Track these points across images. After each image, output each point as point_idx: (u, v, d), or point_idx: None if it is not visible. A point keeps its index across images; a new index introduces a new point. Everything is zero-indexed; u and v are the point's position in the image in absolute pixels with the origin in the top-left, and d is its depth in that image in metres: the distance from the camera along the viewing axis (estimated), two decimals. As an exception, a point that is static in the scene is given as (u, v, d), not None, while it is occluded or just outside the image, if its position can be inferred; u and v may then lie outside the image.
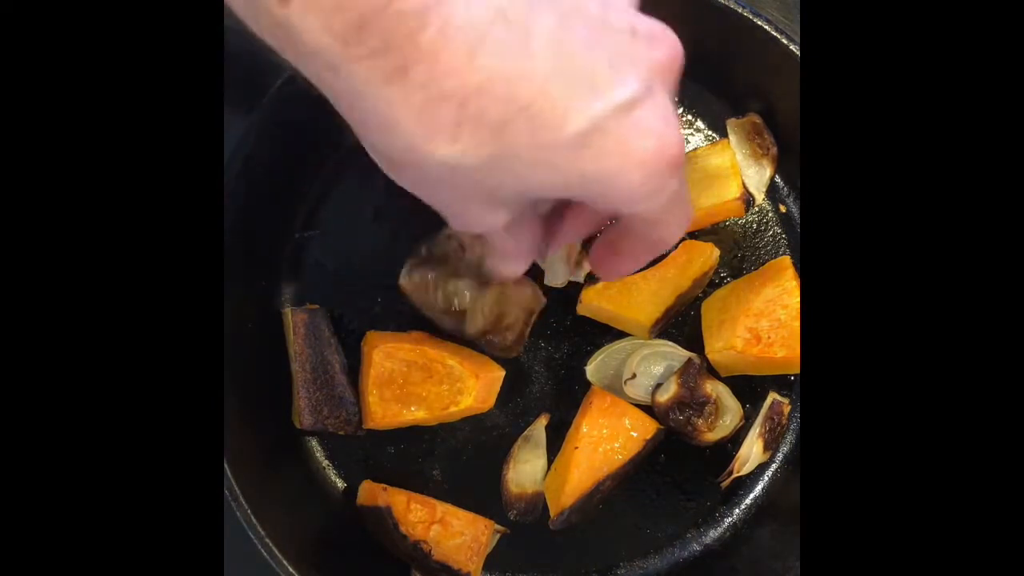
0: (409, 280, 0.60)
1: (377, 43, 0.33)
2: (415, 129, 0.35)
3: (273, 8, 0.32)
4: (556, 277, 0.64)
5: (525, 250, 0.48)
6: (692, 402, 0.62)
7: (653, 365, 0.65)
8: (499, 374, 0.64)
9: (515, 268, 0.50)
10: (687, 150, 0.68)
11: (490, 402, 0.64)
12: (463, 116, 0.34)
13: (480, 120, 0.34)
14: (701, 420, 0.63)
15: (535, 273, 0.65)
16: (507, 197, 0.39)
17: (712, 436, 0.63)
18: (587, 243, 0.65)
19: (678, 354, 0.65)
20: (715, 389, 0.64)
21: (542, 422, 0.66)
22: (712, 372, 0.65)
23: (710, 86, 0.68)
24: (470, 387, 0.64)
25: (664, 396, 0.63)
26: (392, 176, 0.39)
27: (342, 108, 0.37)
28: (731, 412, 0.64)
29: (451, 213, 0.41)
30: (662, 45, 0.38)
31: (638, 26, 0.37)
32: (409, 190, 0.40)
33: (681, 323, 0.67)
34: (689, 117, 0.68)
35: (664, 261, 0.64)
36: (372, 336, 0.64)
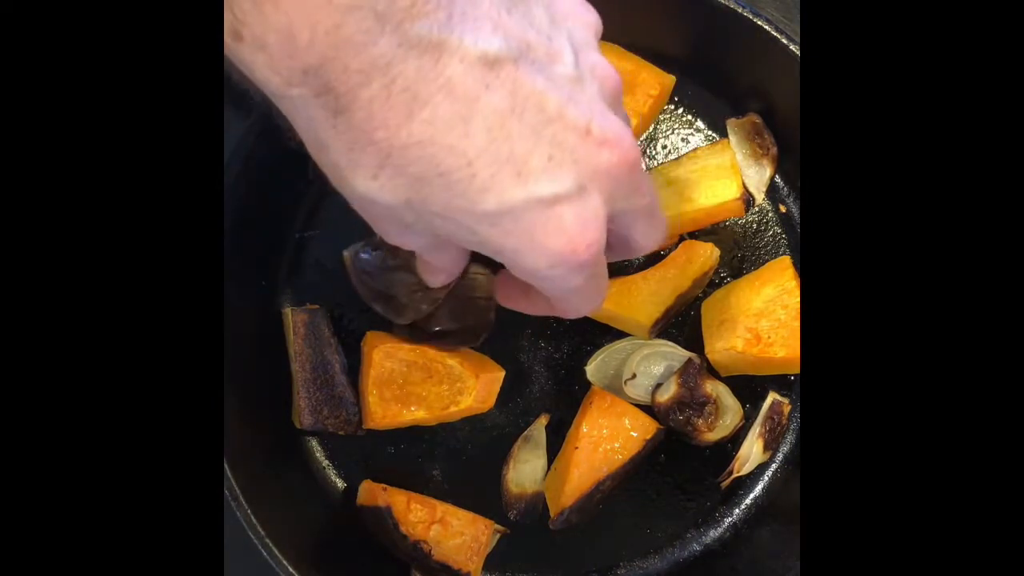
0: (354, 257, 0.59)
1: (320, 87, 0.34)
2: (341, 159, 0.37)
3: (227, 42, 0.34)
4: None
5: (445, 268, 0.51)
6: (692, 402, 0.62)
7: (653, 365, 0.65)
8: (499, 374, 0.64)
9: (436, 280, 0.52)
10: (687, 150, 0.68)
11: (490, 402, 0.64)
12: (386, 163, 0.36)
13: (401, 170, 0.36)
14: (701, 420, 0.63)
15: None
16: (422, 232, 0.41)
17: (712, 436, 0.63)
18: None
19: (678, 354, 0.65)
20: (715, 389, 0.64)
21: (542, 422, 0.66)
22: (712, 372, 0.65)
23: (710, 86, 0.68)
24: (470, 387, 0.64)
25: (664, 396, 0.63)
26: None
27: (287, 115, 0.38)
28: (731, 412, 0.64)
29: (376, 227, 0.43)
30: (613, 150, 0.38)
31: (594, 125, 0.38)
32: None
33: (681, 323, 0.67)
34: (689, 117, 0.68)
35: (664, 261, 0.64)
36: (372, 336, 0.64)
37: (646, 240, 0.46)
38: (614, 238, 0.45)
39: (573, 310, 0.49)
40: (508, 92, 0.36)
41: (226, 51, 0.35)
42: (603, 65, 0.41)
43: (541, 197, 0.37)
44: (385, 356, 0.63)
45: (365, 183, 0.37)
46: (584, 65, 0.39)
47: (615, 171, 0.39)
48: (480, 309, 0.60)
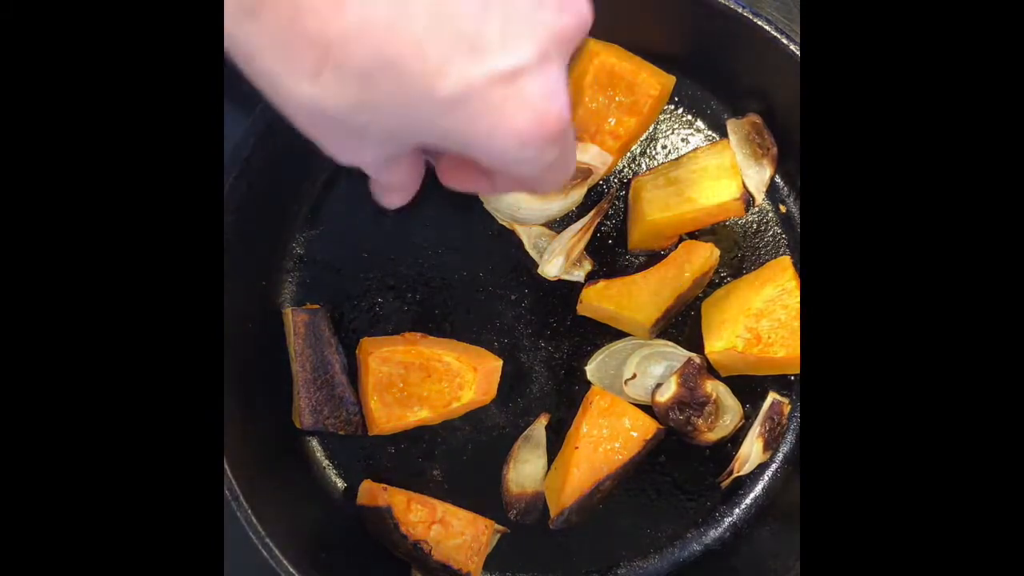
0: None
1: None
2: (274, 65, 0.34)
3: None
4: (551, 269, 0.64)
5: (404, 184, 0.46)
6: (692, 402, 0.62)
7: (653, 365, 0.65)
8: (497, 364, 0.64)
9: (393, 202, 0.48)
10: (687, 150, 0.68)
11: (492, 393, 0.64)
12: (325, 60, 0.33)
13: (344, 66, 0.33)
14: (701, 420, 0.63)
15: (529, 262, 0.65)
16: (376, 138, 0.38)
17: (712, 436, 0.63)
18: (588, 245, 0.65)
19: (678, 354, 0.65)
20: (715, 389, 0.64)
21: (542, 422, 0.66)
22: (712, 372, 0.65)
23: (710, 86, 0.68)
24: (469, 381, 0.64)
25: (664, 396, 0.63)
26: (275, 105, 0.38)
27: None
28: (731, 412, 0.64)
29: (325, 145, 0.39)
30: (570, 11, 0.36)
31: None
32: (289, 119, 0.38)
33: (681, 323, 0.67)
34: (689, 117, 0.68)
35: (664, 261, 0.64)
36: (366, 343, 0.64)
37: None
38: None
39: (547, 186, 0.44)
40: None
41: None
42: None
43: (502, 71, 0.34)
44: (382, 361, 0.63)
45: (307, 87, 0.34)
46: None
47: (577, 33, 0.36)
48: None
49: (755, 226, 0.68)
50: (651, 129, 0.68)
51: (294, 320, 0.64)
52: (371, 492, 0.63)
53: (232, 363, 0.59)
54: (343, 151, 0.39)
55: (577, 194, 0.64)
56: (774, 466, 0.67)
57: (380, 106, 0.34)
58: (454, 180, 0.48)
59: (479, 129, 0.35)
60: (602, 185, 0.67)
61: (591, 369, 0.66)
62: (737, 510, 0.67)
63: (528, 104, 0.35)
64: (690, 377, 0.62)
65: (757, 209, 0.68)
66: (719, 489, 0.66)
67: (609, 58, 0.64)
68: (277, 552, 0.58)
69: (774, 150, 0.67)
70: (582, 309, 0.65)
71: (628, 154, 0.68)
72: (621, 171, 0.68)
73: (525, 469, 0.65)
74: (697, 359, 0.63)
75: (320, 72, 0.33)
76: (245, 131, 0.60)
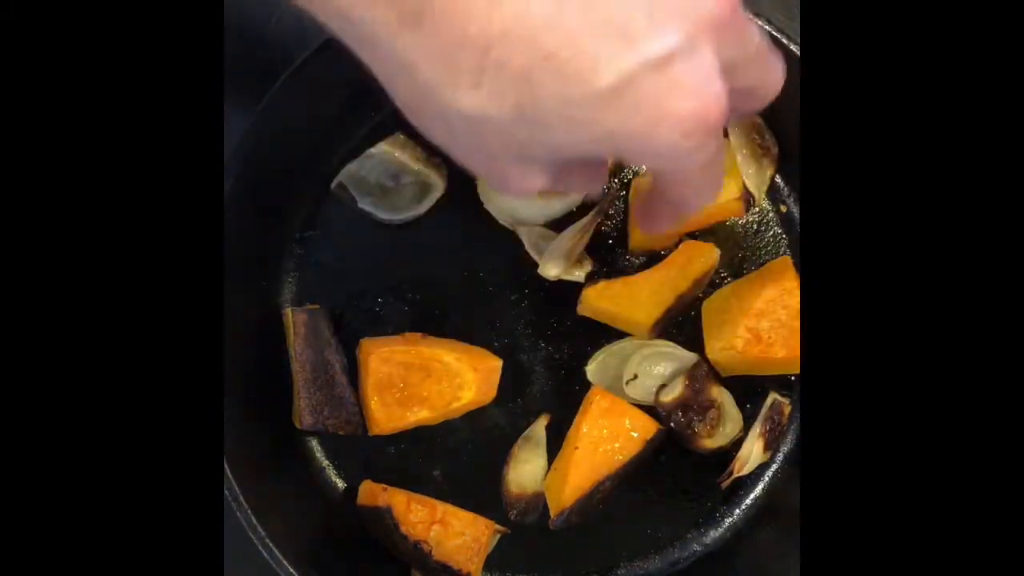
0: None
1: None
2: (434, 75, 0.34)
3: None
4: (551, 269, 0.64)
5: (583, 187, 0.45)
6: (696, 405, 0.62)
7: (654, 365, 0.65)
8: (496, 364, 0.64)
9: (586, 192, 0.49)
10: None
11: (491, 393, 0.64)
12: (485, 62, 0.33)
13: (503, 68, 0.33)
14: (702, 424, 0.63)
15: (529, 262, 0.65)
16: (539, 155, 0.38)
17: (710, 443, 0.63)
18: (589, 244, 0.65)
19: (678, 354, 0.65)
20: (721, 395, 0.64)
21: (542, 422, 0.66)
22: (713, 372, 0.65)
23: (710, 86, 0.68)
24: (469, 381, 0.64)
25: (669, 396, 0.62)
26: (423, 131, 0.38)
27: (366, 58, 0.36)
28: (732, 421, 0.64)
29: (487, 174, 0.40)
30: None
31: None
32: (442, 148, 0.39)
33: (681, 323, 0.67)
34: (689, 117, 0.68)
35: (664, 261, 0.64)
36: (366, 343, 0.64)
37: (767, 83, 0.42)
38: (733, 93, 0.40)
39: (700, 196, 0.43)
40: None
41: None
42: None
43: (656, 58, 0.34)
44: (382, 361, 0.63)
45: (469, 95, 0.34)
46: None
47: (722, 19, 0.36)
48: None
49: (755, 226, 0.68)
50: (651, 129, 0.68)
51: (294, 320, 0.64)
52: (371, 492, 0.63)
53: (232, 363, 0.59)
54: (510, 180, 0.39)
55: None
56: (774, 466, 0.67)
57: (541, 109, 0.34)
58: (651, 220, 0.49)
59: (640, 121, 0.35)
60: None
61: (591, 369, 0.66)
62: (737, 511, 0.67)
63: (687, 89, 0.35)
64: (698, 379, 0.62)
65: (757, 209, 0.68)
66: (719, 490, 0.66)
67: (609, 58, 0.64)
68: (277, 552, 0.57)
69: (774, 150, 0.67)
70: (582, 309, 0.65)
71: (628, 154, 0.68)
72: (621, 171, 0.68)
73: (525, 469, 0.65)
74: (706, 364, 0.63)
75: (481, 78, 0.34)
76: (245, 131, 0.60)
